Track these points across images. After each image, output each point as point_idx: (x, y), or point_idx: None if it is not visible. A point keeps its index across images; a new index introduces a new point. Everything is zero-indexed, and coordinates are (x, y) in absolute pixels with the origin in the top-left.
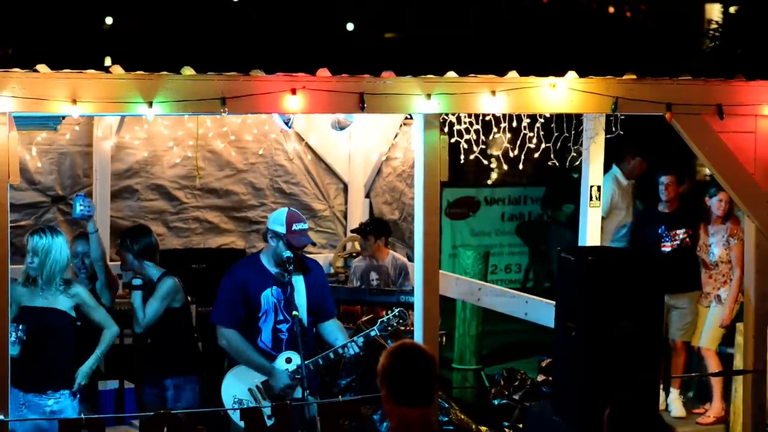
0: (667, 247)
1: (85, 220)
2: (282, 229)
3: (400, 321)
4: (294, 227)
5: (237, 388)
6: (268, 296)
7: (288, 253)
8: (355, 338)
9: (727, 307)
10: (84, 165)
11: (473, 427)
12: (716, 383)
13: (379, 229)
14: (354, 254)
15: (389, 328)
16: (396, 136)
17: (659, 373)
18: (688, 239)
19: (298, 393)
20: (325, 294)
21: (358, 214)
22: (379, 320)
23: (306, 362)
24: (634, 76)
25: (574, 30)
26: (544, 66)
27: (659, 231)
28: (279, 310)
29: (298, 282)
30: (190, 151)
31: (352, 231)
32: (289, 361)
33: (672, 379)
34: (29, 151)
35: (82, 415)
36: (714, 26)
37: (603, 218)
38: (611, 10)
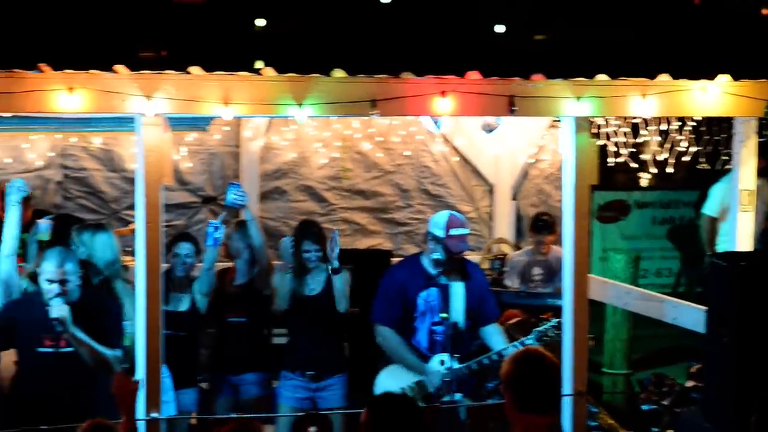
0: None
1: (236, 208)
2: (441, 233)
3: (558, 333)
4: (452, 232)
5: (390, 386)
6: (425, 297)
7: (438, 255)
8: (515, 343)
9: None
10: (234, 165)
11: None
12: None
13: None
14: (500, 256)
15: (545, 338)
16: (543, 139)
17: None
18: None
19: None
20: (484, 298)
21: (504, 217)
22: (535, 329)
23: (459, 366)
24: None
25: (728, 31)
26: (696, 68)
27: None
28: (435, 311)
29: (458, 285)
30: (338, 152)
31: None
32: (443, 363)
33: None
34: (179, 151)
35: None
36: None
37: (715, 220)
38: (765, 12)
